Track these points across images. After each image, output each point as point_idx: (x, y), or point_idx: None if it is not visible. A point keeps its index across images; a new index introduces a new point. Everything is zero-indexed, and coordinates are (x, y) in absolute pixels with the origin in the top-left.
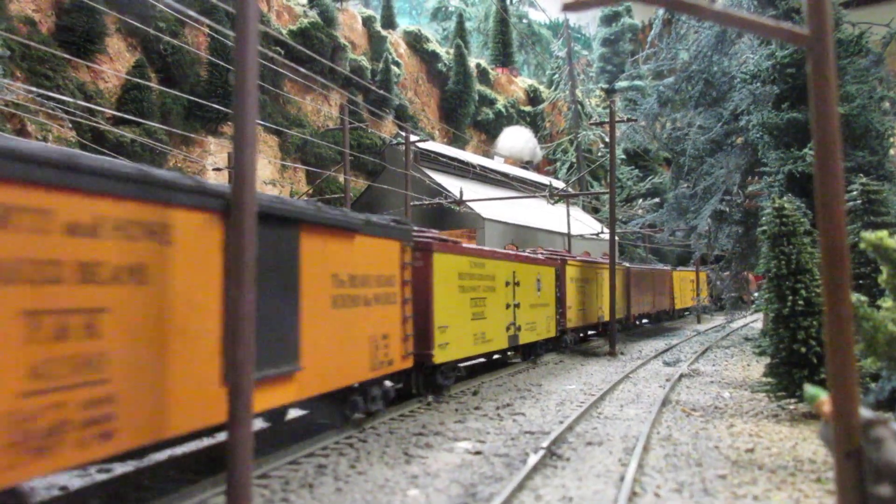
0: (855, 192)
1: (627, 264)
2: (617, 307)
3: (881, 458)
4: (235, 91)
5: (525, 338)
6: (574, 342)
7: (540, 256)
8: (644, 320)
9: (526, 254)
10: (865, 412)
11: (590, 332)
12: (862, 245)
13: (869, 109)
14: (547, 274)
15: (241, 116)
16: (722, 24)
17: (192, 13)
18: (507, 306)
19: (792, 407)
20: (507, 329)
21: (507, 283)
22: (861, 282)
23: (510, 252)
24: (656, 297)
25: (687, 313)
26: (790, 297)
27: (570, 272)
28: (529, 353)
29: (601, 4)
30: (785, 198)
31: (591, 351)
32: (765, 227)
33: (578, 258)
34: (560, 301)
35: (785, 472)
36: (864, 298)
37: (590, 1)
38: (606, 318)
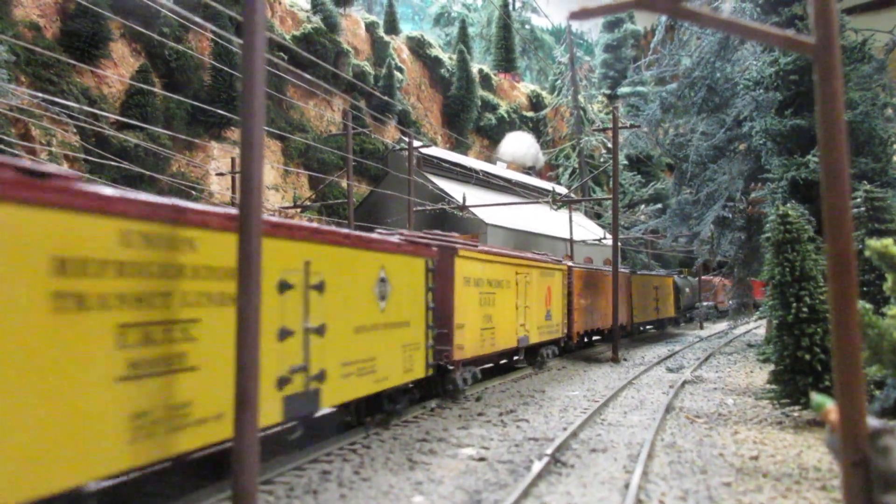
0: (859, 199)
1: (570, 264)
2: (559, 322)
3: (889, 467)
4: (242, 97)
5: (340, 393)
6: (473, 379)
7: (394, 239)
8: (595, 337)
9: (345, 231)
10: (873, 421)
11: (515, 358)
12: (867, 252)
13: (872, 116)
14: (408, 270)
15: (248, 122)
16: (727, 33)
17: (196, 19)
18: (283, 335)
19: (796, 414)
20: (281, 385)
21: (285, 287)
22: (865, 289)
23: (300, 224)
24: (610, 309)
25: (649, 328)
26: (794, 304)
27: (467, 269)
28: (374, 410)
29: (607, 12)
30: (788, 204)
31: (594, 357)
32: (769, 234)
33: (484, 248)
34: (443, 317)
35: (790, 480)
36: (868, 306)
37: (596, 9)
38: (533, 339)
